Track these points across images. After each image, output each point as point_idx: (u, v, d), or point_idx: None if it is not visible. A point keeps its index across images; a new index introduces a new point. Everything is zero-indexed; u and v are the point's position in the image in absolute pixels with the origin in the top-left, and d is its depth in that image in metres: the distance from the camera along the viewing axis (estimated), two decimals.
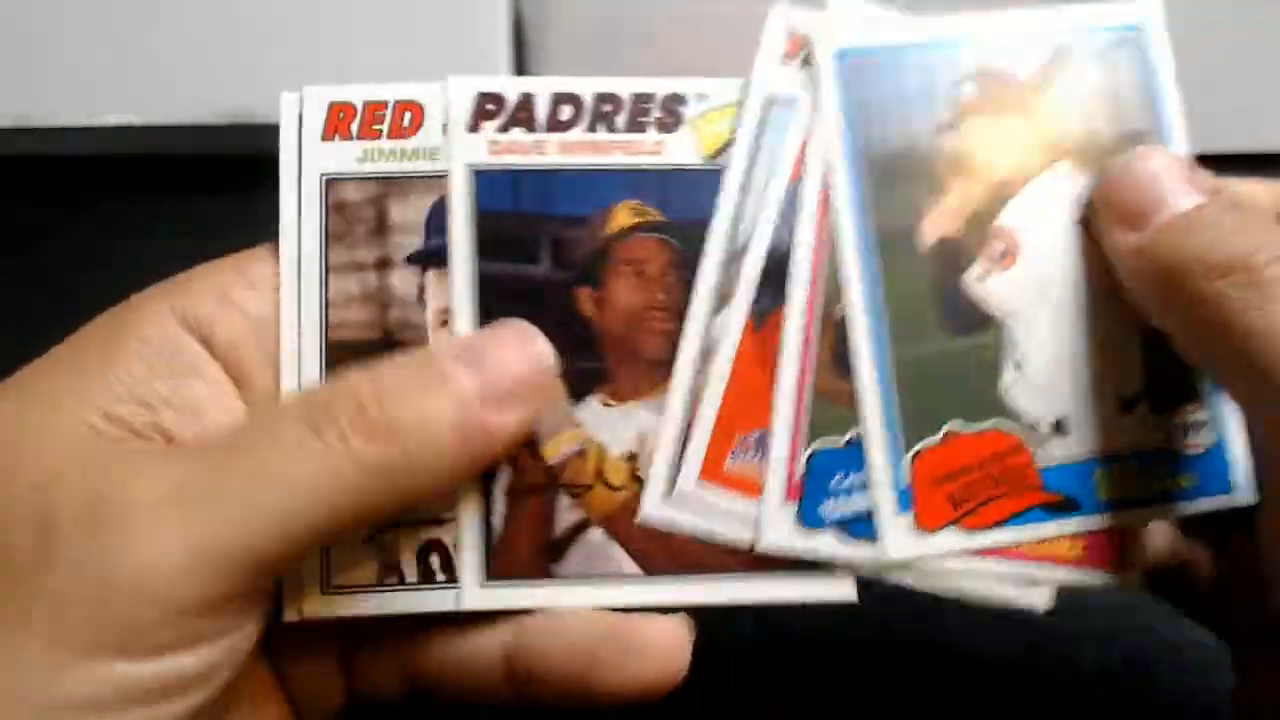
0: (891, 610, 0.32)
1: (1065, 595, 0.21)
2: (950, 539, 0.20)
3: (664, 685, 0.19)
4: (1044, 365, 0.21)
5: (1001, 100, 0.21)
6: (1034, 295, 0.21)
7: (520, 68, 0.50)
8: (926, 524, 0.20)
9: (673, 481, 0.20)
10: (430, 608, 0.20)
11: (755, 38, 0.55)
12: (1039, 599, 0.21)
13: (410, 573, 0.20)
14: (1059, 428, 0.21)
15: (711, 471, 0.20)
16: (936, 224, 0.21)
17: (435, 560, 0.20)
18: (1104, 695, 0.31)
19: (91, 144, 0.51)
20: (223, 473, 0.17)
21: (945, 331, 0.21)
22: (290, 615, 0.20)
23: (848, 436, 0.20)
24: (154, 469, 0.17)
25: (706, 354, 0.20)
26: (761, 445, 0.20)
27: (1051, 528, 0.21)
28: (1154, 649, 0.31)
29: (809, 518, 0.20)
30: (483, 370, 0.18)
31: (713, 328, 0.20)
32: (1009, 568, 0.21)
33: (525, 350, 0.19)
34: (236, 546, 0.16)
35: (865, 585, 0.20)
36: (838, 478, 0.20)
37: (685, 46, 0.50)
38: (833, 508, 0.20)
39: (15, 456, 0.17)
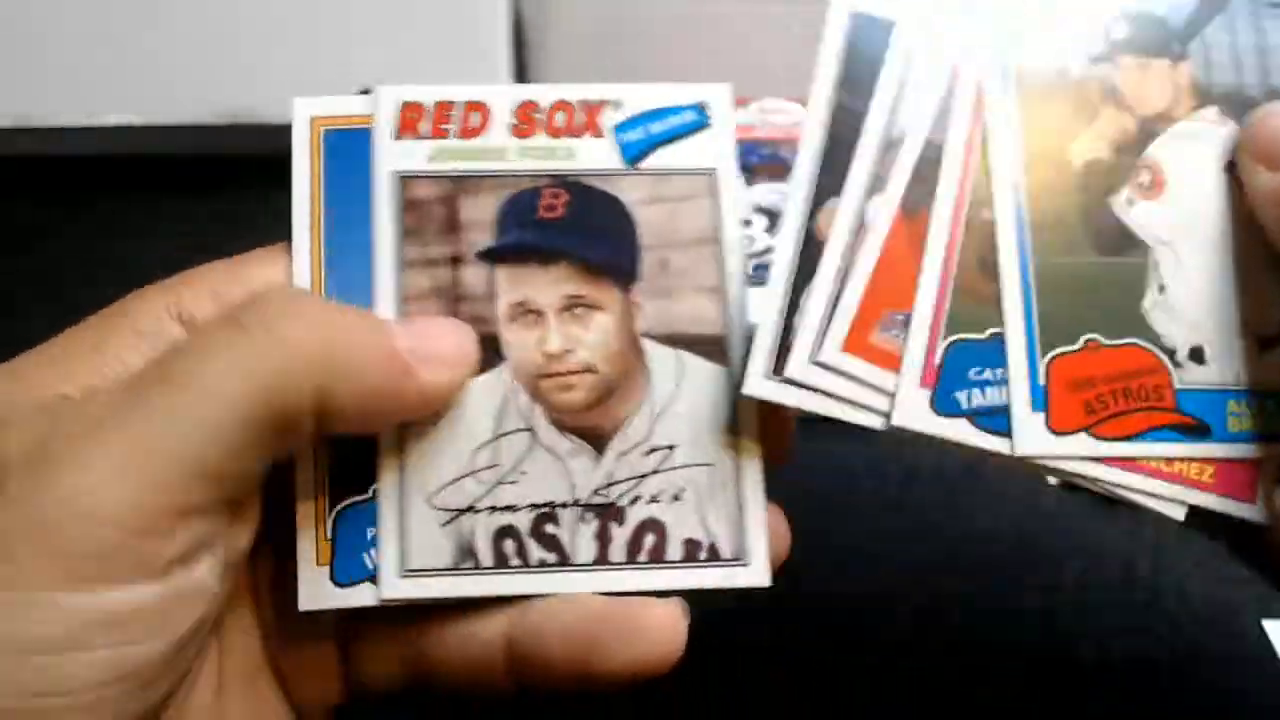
0: (893, 606, 0.32)
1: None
2: (1081, 443, 0.21)
3: (662, 666, 0.20)
4: (1186, 294, 0.22)
5: (1150, 41, 0.22)
6: (1179, 227, 0.22)
7: (520, 66, 0.51)
8: (1059, 425, 0.21)
9: (816, 347, 0.20)
10: (503, 591, 0.20)
11: (753, 37, 0.55)
12: (1175, 511, 0.21)
13: (485, 557, 0.21)
14: (1196, 355, 0.21)
15: (856, 343, 0.20)
16: (1086, 147, 0.22)
17: (510, 545, 0.21)
18: (1104, 693, 0.31)
19: (91, 144, 0.51)
20: (151, 385, 0.17)
21: (1090, 248, 0.21)
22: (367, 600, 0.20)
23: (989, 332, 0.21)
24: (95, 406, 0.17)
25: (858, 232, 0.21)
26: (907, 325, 0.21)
27: (1181, 448, 0.21)
28: (1153, 649, 0.31)
29: (943, 403, 0.20)
30: (412, 332, 0.19)
31: (867, 210, 0.21)
32: (1137, 480, 0.21)
33: (455, 334, 0.20)
34: (171, 451, 0.16)
35: (795, 582, 0.20)
36: (975, 370, 0.21)
37: (684, 45, 0.50)
38: (968, 398, 0.21)
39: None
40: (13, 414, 0.17)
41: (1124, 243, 0.22)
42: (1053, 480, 0.38)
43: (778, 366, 0.20)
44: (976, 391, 0.21)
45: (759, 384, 0.20)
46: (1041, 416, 0.21)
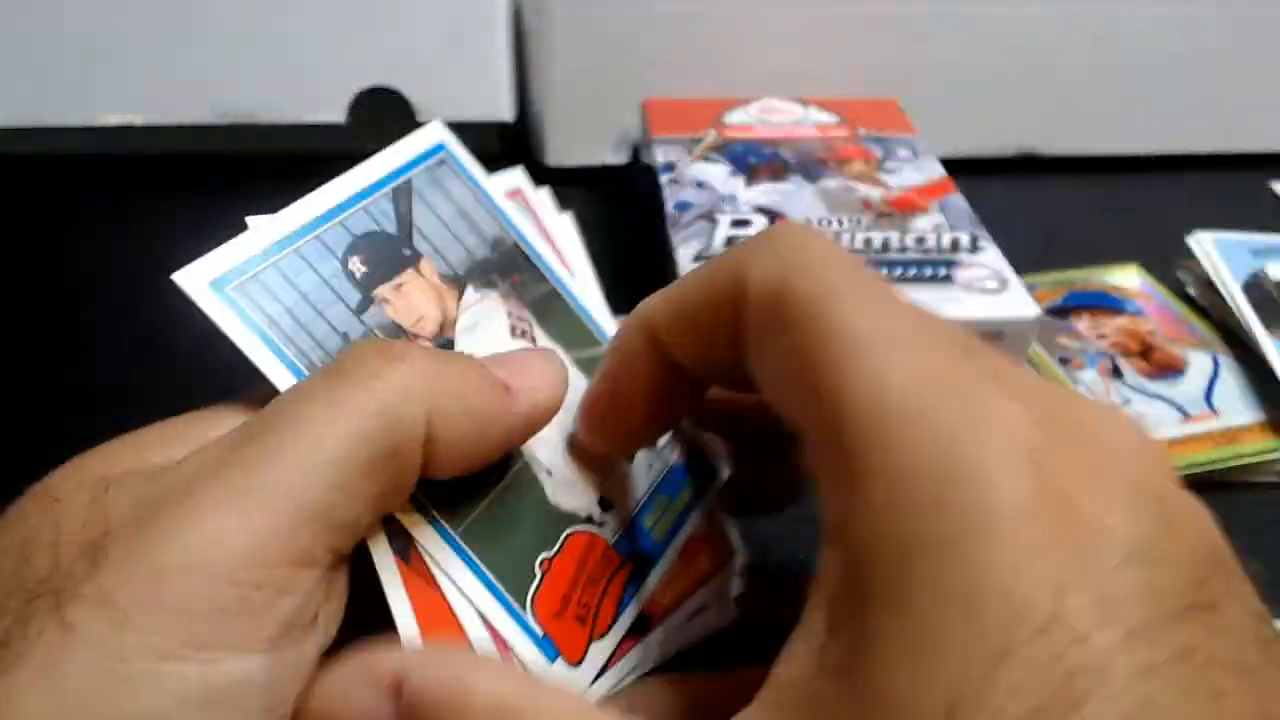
0: None
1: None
2: (598, 653, 0.21)
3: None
4: (566, 463, 0.23)
5: (385, 259, 0.22)
6: None
7: (520, 66, 0.51)
8: (574, 655, 0.20)
9: None
10: None
11: (751, 32, 0.54)
12: (727, 613, 0.24)
13: None
14: (605, 505, 0.23)
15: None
16: None
17: None
18: None
19: (91, 144, 0.51)
20: (252, 433, 0.16)
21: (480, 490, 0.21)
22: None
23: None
24: (196, 462, 0.16)
25: None
26: None
27: (651, 582, 0.23)
28: None
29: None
30: (506, 363, 0.20)
31: None
32: (665, 630, 0.22)
33: (543, 359, 0.21)
34: (283, 495, 0.15)
35: None
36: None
37: (683, 40, 0.50)
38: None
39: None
40: (115, 478, 0.16)
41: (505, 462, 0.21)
42: None
43: None
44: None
45: None
46: (560, 662, 0.20)
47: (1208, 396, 0.39)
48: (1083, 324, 0.43)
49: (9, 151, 0.49)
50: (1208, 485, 0.38)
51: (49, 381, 0.37)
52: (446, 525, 0.19)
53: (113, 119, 0.47)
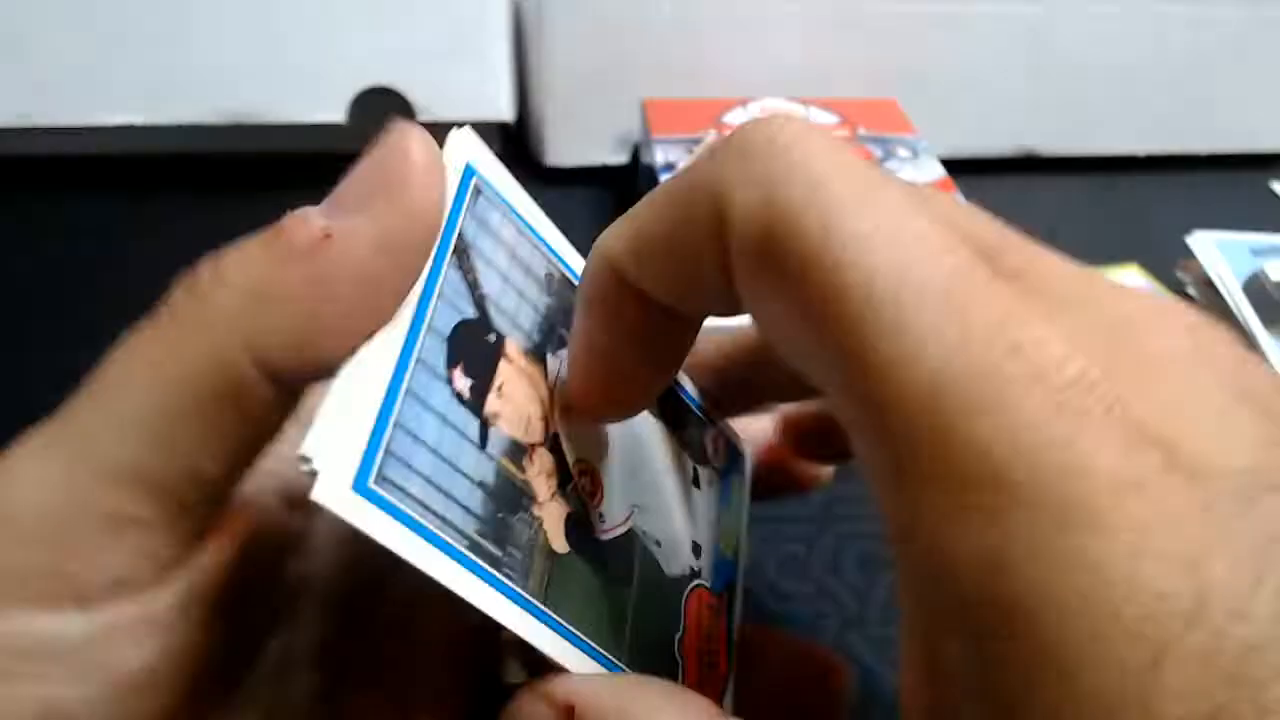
0: None
1: None
2: (729, 691, 0.21)
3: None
4: (664, 530, 0.20)
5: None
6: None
7: (520, 66, 0.51)
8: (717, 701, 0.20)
9: None
10: None
11: (750, 32, 0.54)
12: None
13: None
14: (695, 550, 0.21)
15: None
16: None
17: None
18: None
19: (92, 144, 0.51)
20: (72, 401, 0.15)
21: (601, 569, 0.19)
22: None
23: None
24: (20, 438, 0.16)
25: None
26: None
27: (739, 605, 0.22)
28: None
29: None
30: (328, 205, 0.17)
31: None
32: None
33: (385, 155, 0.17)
34: (96, 456, 0.15)
35: None
36: None
37: (683, 40, 0.50)
38: None
39: None
40: None
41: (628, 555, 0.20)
42: None
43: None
44: None
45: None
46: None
47: None
48: None
49: (9, 152, 0.49)
50: None
51: (49, 382, 0.37)
52: (610, 658, 0.18)
53: (113, 119, 0.47)
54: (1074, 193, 0.55)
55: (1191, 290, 0.46)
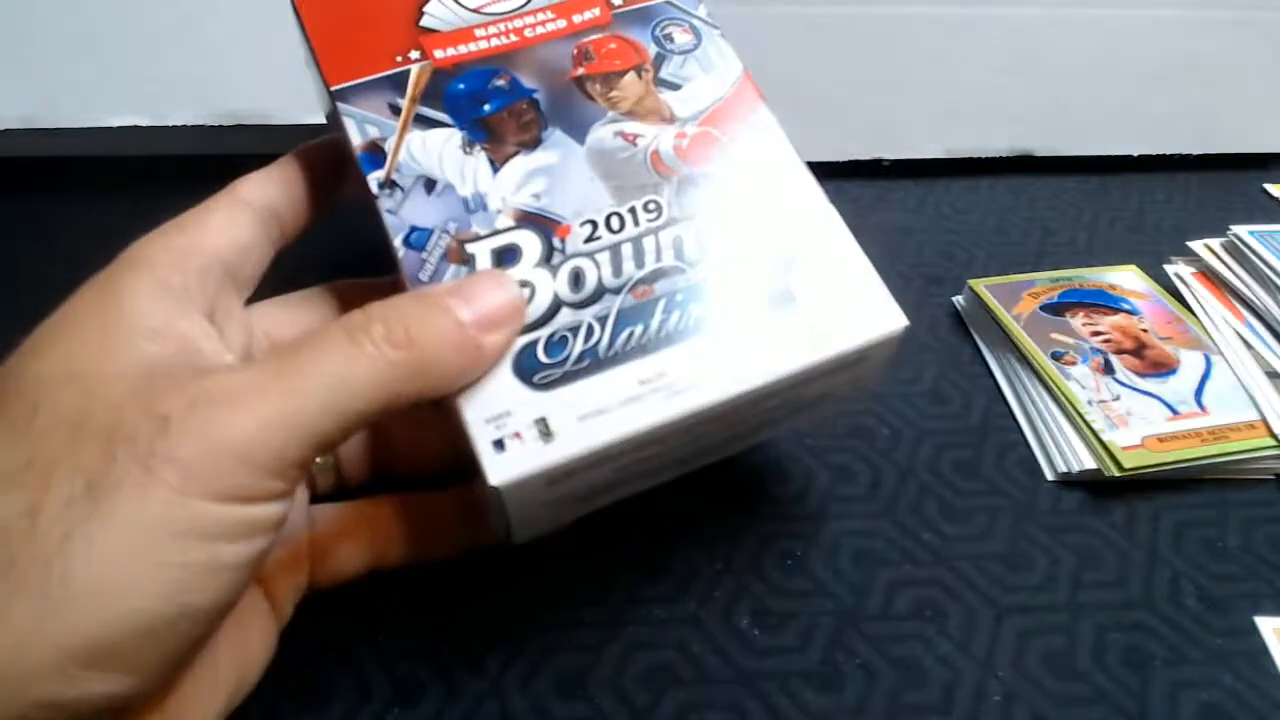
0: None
1: None
2: None
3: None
4: None
5: None
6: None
7: None
8: None
9: None
10: None
11: (755, 36, 0.55)
12: None
13: None
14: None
15: None
16: None
17: None
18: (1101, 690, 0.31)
19: (92, 144, 0.52)
20: (292, 373, 0.22)
21: None
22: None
23: None
24: (237, 375, 0.22)
25: None
26: None
27: None
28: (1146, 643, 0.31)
29: None
30: (466, 296, 0.25)
31: None
32: None
33: (501, 288, 0.25)
34: (306, 423, 0.22)
35: None
36: None
37: None
38: None
39: (99, 371, 0.22)
40: (163, 370, 0.22)
41: None
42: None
43: None
44: None
45: None
46: None
47: (1198, 395, 0.40)
48: (1077, 320, 0.43)
49: (11, 153, 0.49)
50: (1199, 482, 0.38)
51: None
52: None
53: (115, 120, 0.47)
54: (1069, 193, 0.55)
55: (1185, 290, 0.46)
